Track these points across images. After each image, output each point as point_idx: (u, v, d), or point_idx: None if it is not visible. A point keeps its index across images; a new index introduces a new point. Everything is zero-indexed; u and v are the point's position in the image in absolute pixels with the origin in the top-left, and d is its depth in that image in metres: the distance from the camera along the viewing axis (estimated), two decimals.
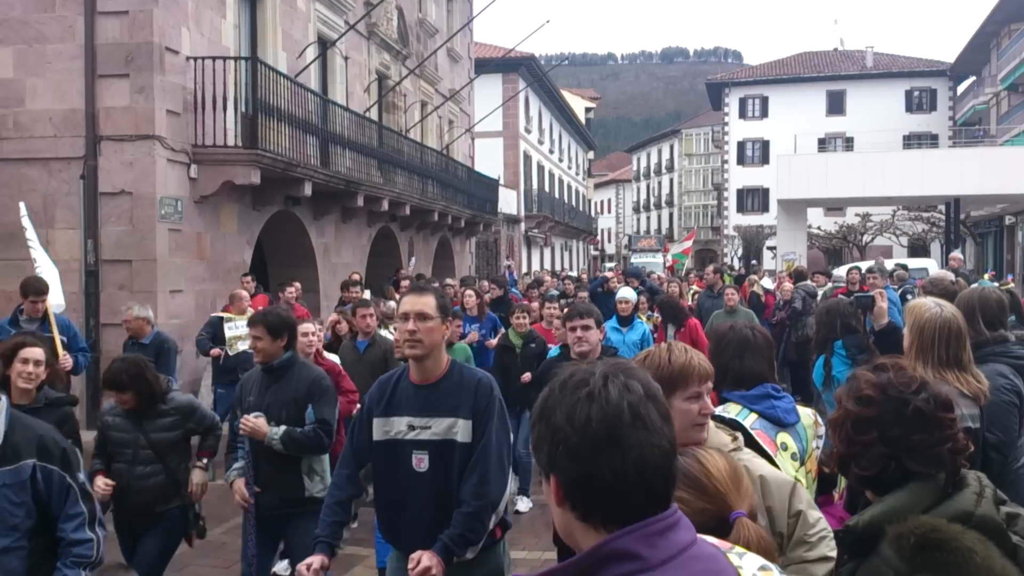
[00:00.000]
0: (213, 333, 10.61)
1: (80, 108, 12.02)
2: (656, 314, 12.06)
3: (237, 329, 10.21)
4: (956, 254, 17.52)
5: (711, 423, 2.81)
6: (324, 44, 17.97)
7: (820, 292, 14.28)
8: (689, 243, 27.39)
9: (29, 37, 12.15)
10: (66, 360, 7.84)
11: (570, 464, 1.53)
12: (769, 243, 46.03)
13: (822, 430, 3.67)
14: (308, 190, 14.96)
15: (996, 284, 8.86)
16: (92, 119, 12.00)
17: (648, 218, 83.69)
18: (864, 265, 15.23)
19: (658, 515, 1.52)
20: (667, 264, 25.47)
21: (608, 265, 52.93)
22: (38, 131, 12.13)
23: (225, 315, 10.71)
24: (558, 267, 48.19)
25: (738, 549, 1.72)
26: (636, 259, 46.58)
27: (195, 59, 12.79)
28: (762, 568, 1.69)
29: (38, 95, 12.14)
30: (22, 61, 12.16)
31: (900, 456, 2.24)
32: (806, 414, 3.57)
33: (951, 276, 7.97)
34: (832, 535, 2.62)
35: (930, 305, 3.96)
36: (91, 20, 11.98)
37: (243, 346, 10.06)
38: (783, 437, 3.35)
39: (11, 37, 12.17)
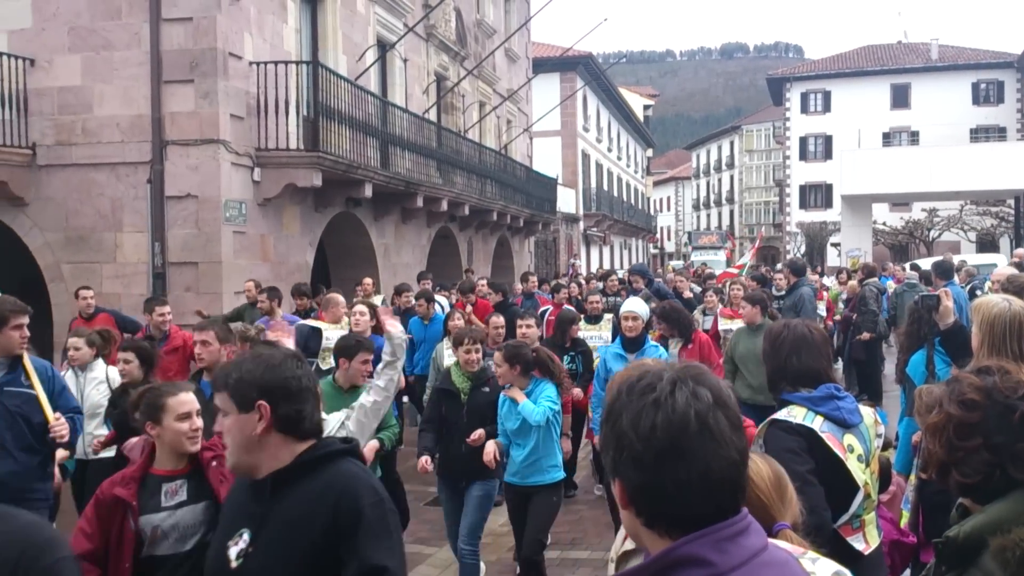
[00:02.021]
0: (304, 345, 8.91)
1: (146, 113, 12.27)
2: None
3: (331, 341, 8.96)
4: (1020, 250, 17.07)
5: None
6: (383, 47, 18.10)
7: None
8: (747, 257, 24.76)
9: (97, 45, 12.44)
10: (60, 427, 5.17)
11: (634, 472, 1.51)
12: (833, 240, 45.36)
13: (882, 428, 3.58)
14: (368, 191, 15.09)
15: None
16: (158, 124, 12.24)
17: (708, 215, 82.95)
18: (930, 261, 14.89)
19: (728, 520, 1.49)
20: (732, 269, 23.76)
21: (673, 264, 52.47)
22: (106, 136, 12.41)
23: (320, 324, 9.41)
24: (617, 265, 47.97)
25: (811, 554, 1.68)
26: (696, 256, 46.18)
27: (258, 64, 12.97)
28: (836, 574, 1.65)
29: (106, 101, 12.42)
30: (90, 68, 12.45)
31: (1005, 464, 2.11)
32: (867, 413, 3.49)
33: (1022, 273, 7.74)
34: None
35: (997, 300, 3.84)
36: (156, 27, 12.22)
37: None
38: (849, 439, 3.27)
39: (79, 45, 12.47)
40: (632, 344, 7.24)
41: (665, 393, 1.51)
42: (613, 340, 8.83)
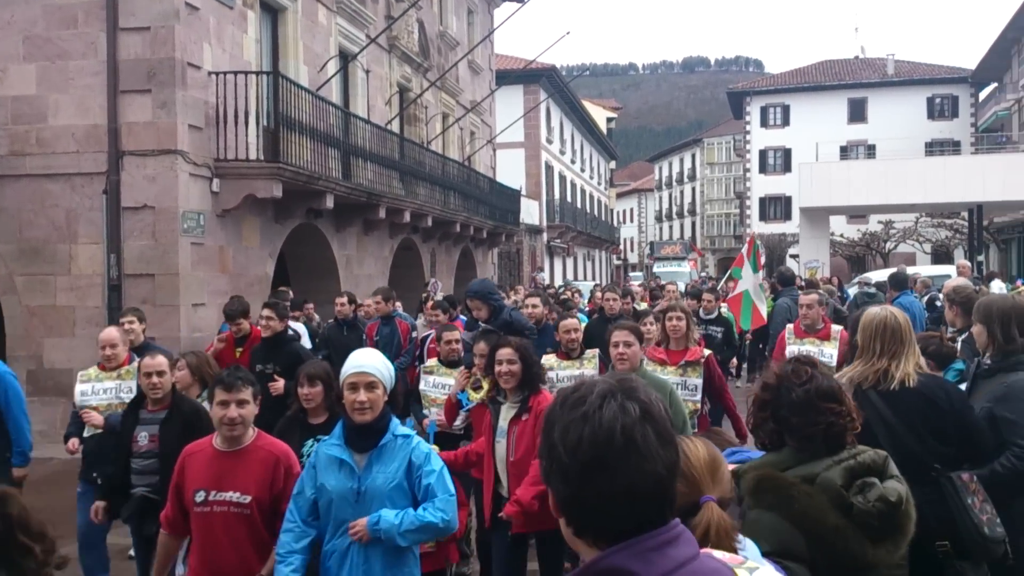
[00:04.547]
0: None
1: (102, 124, 12.12)
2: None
3: (95, 396, 6.54)
4: (963, 261, 17.34)
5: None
6: (345, 58, 18.06)
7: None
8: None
9: (52, 54, 12.28)
10: None
11: (561, 483, 1.53)
12: (792, 251, 45.85)
13: None
14: (330, 203, 15.02)
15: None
16: (114, 134, 12.10)
17: (671, 227, 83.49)
18: (885, 273, 15.02)
19: (654, 531, 1.50)
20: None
21: (634, 275, 52.50)
22: (61, 147, 12.24)
23: (84, 373, 6.78)
24: (580, 277, 48.05)
25: (750, 564, 1.70)
26: (659, 268, 46.28)
27: (217, 74, 12.88)
28: None
29: (61, 111, 12.26)
30: (45, 77, 12.29)
31: (782, 432, 2.87)
32: None
33: (971, 284, 7.90)
34: None
35: (876, 309, 4.25)
36: (113, 36, 12.09)
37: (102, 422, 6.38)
38: None
39: (34, 54, 12.31)
40: (363, 436, 4.08)
41: (594, 407, 1.52)
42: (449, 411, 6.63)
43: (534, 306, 9.37)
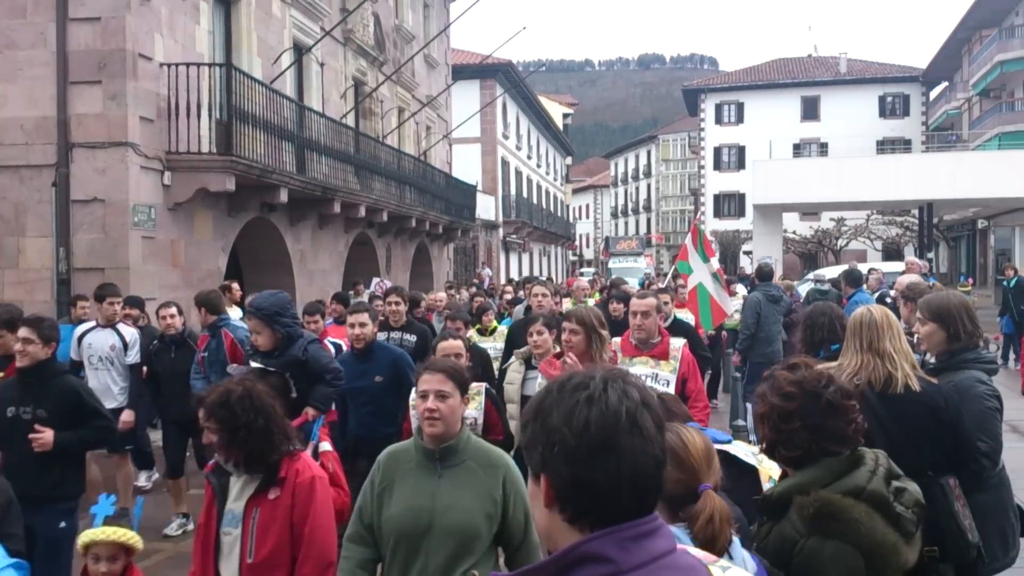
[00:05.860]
0: None
1: (52, 115, 11.89)
2: None
3: None
4: (911, 258, 17.66)
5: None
6: (300, 50, 17.90)
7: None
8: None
9: (0, 44, 12.01)
10: None
11: (565, 467, 1.52)
12: (746, 248, 46.35)
13: None
14: (284, 196, 14.88)
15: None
16: (64, 126, 11.87)
17: (626, 223, 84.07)
18: (838, 269, 15.20)
19: (636, 521, 1.51)
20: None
21: (586, 271, 52.73)
22: (9, 138, 11.98)
23: None
24: (536, 273, 48.13)
25: (722, 563, 1.72)
26: (615, 264, 46.32)
27: (169, 65, 12.69)
28: None
29: (9, 102, 12.00)
30: None
31: (819, 439, 2.69)
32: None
33: (923, 281, 8.01)
34: None
35: (861, 310, 4.24)
36: (63, 27, 11.86)
37: None
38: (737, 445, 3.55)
39: None
40: None
41: (599, 390, 1.54)
42: None
43: (362, 324, 6.51)
